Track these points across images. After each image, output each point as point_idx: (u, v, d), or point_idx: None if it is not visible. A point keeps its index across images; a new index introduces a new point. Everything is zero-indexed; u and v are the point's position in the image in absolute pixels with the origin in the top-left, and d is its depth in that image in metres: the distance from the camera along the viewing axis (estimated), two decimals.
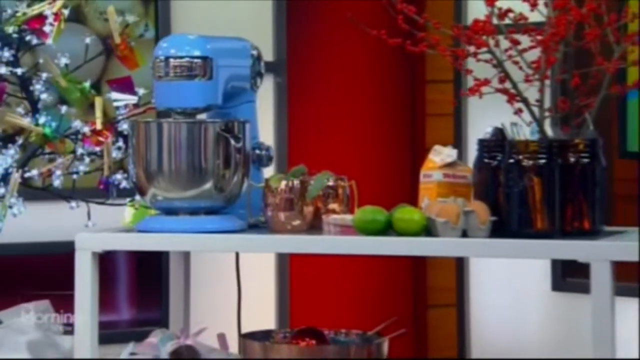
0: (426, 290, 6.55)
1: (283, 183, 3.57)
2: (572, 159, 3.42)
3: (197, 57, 3.58)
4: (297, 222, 3.55)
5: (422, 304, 6.56)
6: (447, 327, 6.46)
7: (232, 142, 3.55)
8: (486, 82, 3.51)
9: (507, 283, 5.91)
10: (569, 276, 5.96)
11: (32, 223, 4.19)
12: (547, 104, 3.51)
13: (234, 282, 4.55)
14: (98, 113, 4.04)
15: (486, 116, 4.22)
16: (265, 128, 6.10)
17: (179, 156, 3.56)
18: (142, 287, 5.55)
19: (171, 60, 3.58)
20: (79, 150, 4.06)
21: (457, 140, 5.42)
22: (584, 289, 5.78)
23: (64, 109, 4.09)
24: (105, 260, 5.18)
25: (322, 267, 5.89)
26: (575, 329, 6.00)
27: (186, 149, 3.56)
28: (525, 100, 3.49)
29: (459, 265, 6.19)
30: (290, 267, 6.04)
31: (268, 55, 6.04)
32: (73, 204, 4.09)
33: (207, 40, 3.68)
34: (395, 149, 5.62)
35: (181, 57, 3.58)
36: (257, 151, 3.75)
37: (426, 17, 3.47)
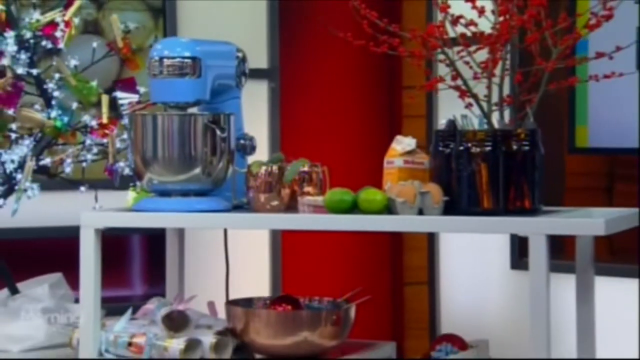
0: (402, 269, 6.54)
1: (263, 168, 3.57)
2: (514, 147, 3.41)
3: (187, 58, 3.58)
4: (275, 203, 3.54)
5: (399, 281, 6.56)
6: (421, 301, 6.46)
7: (218, 132, 3.56)
8: (439, 79, 3.51)
9: (471, 263, 5.89)
10: (526, 256, 5.94)
11: (45, 208, 4.19)
12: (494, 99, 3.50)
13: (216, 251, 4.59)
14: (104, 109, 4.04)
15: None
16: (260, 128, 6.10)
17: (171, 145, 3.56)
18: (153, 265, 5.55)
19: (165, 60, 3.58)
20: (87, 142, 4.06)
21: (429, 138, 5.42)
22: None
23: (74, 105, 4.09)
24: (120, 242, 5.22)
25: (312, 246, 5.89)
26: (527, 302, 5.98)
27: (178, 139, 3.55)
28: (474, 96, 3.48)
29: (430, 247, 6.18)
30: (282, 244, 6.04)
31: (263, 63, 6.04)
32: (82, 188, 4.09)
33: (197, 43, 3.69)
34: (376, 145, 5.61)
35: (173, 58, 3.58)
36: (242, 141, 3.75)
37: (387, 21, 3.46)
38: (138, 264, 5.69)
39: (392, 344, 3.76)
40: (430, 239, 6.09)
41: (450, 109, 3.71)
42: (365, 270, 6.38)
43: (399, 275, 6.55)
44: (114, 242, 5.05)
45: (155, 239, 5.00)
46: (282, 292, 5.87)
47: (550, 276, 5.57)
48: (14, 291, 4.10)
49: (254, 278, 5.77)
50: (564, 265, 5.86)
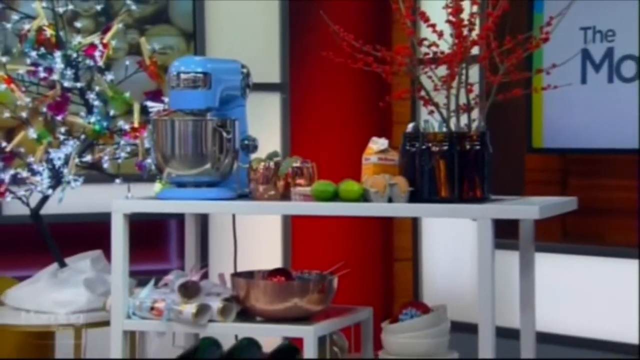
0: (392, 248, 6.52)
1: (262, 164, 3.55)
2: (467, 147, 3.39)
3: (200, 73, 3.56)
4: (272, 192, 3.52)
5: (389, 258, 6.53)
6: (406, 275, 6.43)
7: (224, 134, 3.54)
8: (406, 91, 3.48)
9: (448, 243, 5.88)
10: (497, 237, 5.91)
11: (87, 196, 4.19)
12: (452, 106, 3.46)
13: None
14: (135, 115, 4.03)
15: None
16: (273, 132, 6.09)
17: (186, 144, 3.54)
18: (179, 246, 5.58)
19: (181, 74, 3.56)
20: (122, 142, 4.05)
21: None
22: (507, 246, 5.74)
23: (111, 112, 4.07)
24: (161, 225, 5.20)
25: (318, 228, 5.88)
26: (501, 276, 5.94)
27: (192, 139, 3.54)
28: (435, 105, 3.45)
29: (414, 229, 6.16)
30: (292, 227, 6.04)
31: (276, 78, 6.03)
32: (117, 181, 4.08)
33: (208, 61, 3.68)
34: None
35: (188, 73, 3.56)
36: (246, 141, 3.71)
37: (361, 42, 3.43)
38: (175, 243, 5.70)
39: (369, 309, 3.72)
40: (414, 223, 6.06)
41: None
42: (362, 248, 6.36)
43: (389, 253, 6.53)
44: (156, 225, 5.06)
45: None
46: (291, 267, 5.85)
47: (509, 254, 5.56)
48: (62, 264, 4.09)
49: (269, 255, 5.78)
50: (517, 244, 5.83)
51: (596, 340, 5.61)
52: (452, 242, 5.72)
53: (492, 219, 3.25)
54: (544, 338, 5.76)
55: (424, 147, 3.38)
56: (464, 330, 5.50)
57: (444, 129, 3.43)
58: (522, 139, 6.03)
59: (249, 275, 3.61)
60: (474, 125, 3.44)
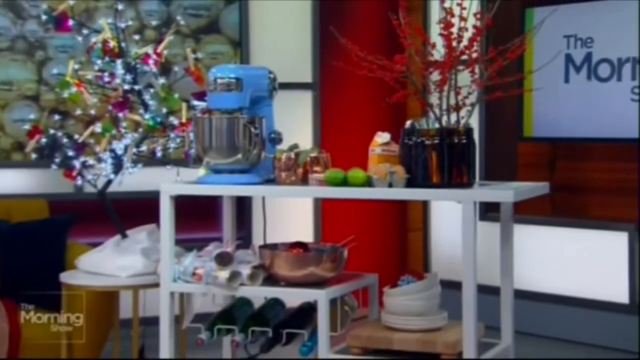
0: (407, 220, 6.51)
1: (284, 154, 3.53)
2: (456, 140, 3.35)
3: (233, 78, 3.54)
4: (293, 178, 3.50)
5: (404, 228, 6.53)
6: (418, 243, 6.43)
7: (252, 130, 3.52)
8: (403, 94, 3.45)
9: (452, 216, 5.83)
10: (489, 211, 5.89)
11: (144, 179, 4.20)
12: (444, 106, 3.42)
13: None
14: (184, 112, 4.03)
15: None
16: (306, 126, 6.09)
17: (221, 138, 3.52)
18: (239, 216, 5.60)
19: (218, 79, 3.55)
20: (172, 135, 4.05)
21: None
22: (493, 218, 5.70)
23: (164, 110, 4.07)
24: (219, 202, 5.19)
25: (345, 207, 5.88)
26: (491, 244, 5.91)
27: (226, 133, 3.52)
28: (430, 105, 3.42)
29: (424, 204, 6.15)
30: (323, 206, 6.05)
31: (308, 78, 6.03)
32: (168, 167, 4.08)
33: (239, 68, 3.69)
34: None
35: (223, 78, 3.54)
36: (272, 135, 3.69)
37: (365, 52, 3.40)
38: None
39: (375, 276, 3.69)
40: (425, 201, 6.05)
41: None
42: (381, 222, 6.37)
43: (404, 224, 6.52)
44: (214, 201, 5.05)
45: (240, 199, 5.03)
46: (321, 239, 5.87)
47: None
48: (124, 235, 4.11)
49: (304, 231, 5.79)
50: (516, 218, 5.81)
51: (580, 299, 5.61)
52: (456, 214, 5.73)
53: (474, 201, 3.19)
54: (536, 297, 5.75)
55: (418, 140, 3.35)
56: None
57: (437, 126, 3.39)
58: (515, 129, 5.99)
59: (274, 247, 3.58)
60: (462, 122, 3.40)
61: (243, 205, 5.83)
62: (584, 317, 5.56)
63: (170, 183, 3.62)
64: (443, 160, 3.32)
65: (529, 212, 6.10)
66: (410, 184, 3.34)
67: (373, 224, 6.37)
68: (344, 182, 3.40)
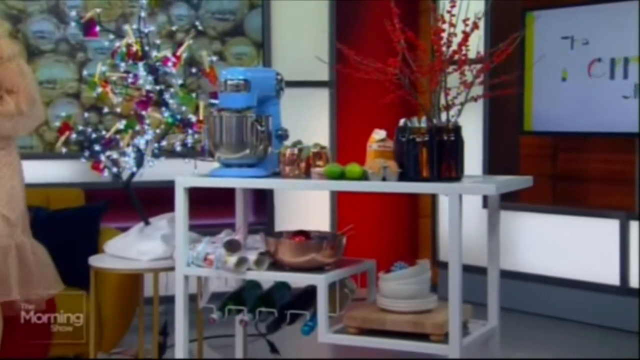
0: (418, 207, 6.48)
1: (288, 150, 3.50)
2: (445, 138, 3.32)
3: (241, 80, 3.52)
4: (296, 172, 3.48)
5: (416, 215, 6.49)
6: (427, 228, 6.39)
7: (258, 127, 3.51)
8: (396, 93, 3.41)
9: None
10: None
11: (165, 170, 4.18)
12: (436, 105, 3.39)
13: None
14: (201, 110, 4.02)
15: None
16: (323, 121, 6.07)
17: (231, 134, 3.51)
18: (258, 204, 5.61)
19: (228, 81, 3.53)
20: (190, 131, 4.04)
21: None
22: (501, 207, 5.65)
23: (183, 108, 4.07)
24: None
25: (360, 198, 5.87)
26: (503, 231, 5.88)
27: (235, 130, 3.50)
28: (421, 104, 3.39)
29: (433, 195, 6.11)
30: (339, 197, 6.04)
31: (325, 77, 6.00)
32: (186, 160, 4.08)
33: (248, 71, 3.63)
34: None
35: (232, 80, 3.52)
36: (279, 132, 3.67)
37: (362, 57, 3.37)
38: (251, 202, 5.76)
39: (373, 261, 3.66)
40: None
41: None
42: (394, 209, 6.34)
43: (416, 211, 6.49)
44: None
45: (262, 189, 5.06)
46: (337, 226, 5.87)
47: (507, 213, 5.51)
48: (147, 222, 4.11)
49: (321, 219, 5.78)
50: (518, 206, 5.77)
51: (575, 281, 5.58)
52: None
53: (459, 194, 3.16)
54: (535, 279, 5.71)
55: (410, 138, 3.31)
56: (470, 272, 5.47)
57: (427, 124, 3.36)
58: (516, 123, 5.94)
59: (279, 235, 3.57)
60: (452, 120, 3.36)
61: (265, 195, 5.84)
62: (578, 297, 5.52)
63: (184, 176, 3.60)
64: (433, 156, 3.28)
65: (532, 200, 6.07)
66: (402, 177, 3.31)
67: (386, 211, 6.35)
68: (342, 176, 3.37)
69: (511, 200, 5.96)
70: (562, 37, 5.61)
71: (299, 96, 6.01)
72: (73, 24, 3.94)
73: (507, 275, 5.81)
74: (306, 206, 5.86)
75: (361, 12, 6.15)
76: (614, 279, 5.36)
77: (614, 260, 5.37)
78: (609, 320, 5.35)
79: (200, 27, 4.46)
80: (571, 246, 5.59)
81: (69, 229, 4.48)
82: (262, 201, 5.86)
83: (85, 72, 5.08)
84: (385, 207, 6.35)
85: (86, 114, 4.75)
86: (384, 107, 6.06)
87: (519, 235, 5.87)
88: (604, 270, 5.41)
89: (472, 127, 6.01)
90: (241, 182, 3.53)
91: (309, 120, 6.00)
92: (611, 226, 5.39)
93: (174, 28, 5.05)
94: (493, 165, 5.91)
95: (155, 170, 4.11)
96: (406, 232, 6.45)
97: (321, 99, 6.00)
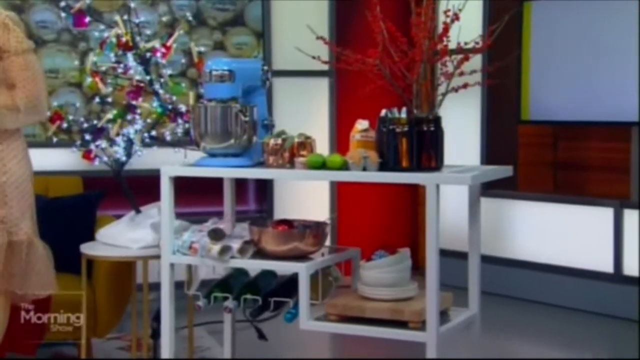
0: (418, 195, 6.46)
1: (272, 140, 3.50)
2: (424, 128, 3.30)
3: (226, 70, 3.52)
4: (280, 162, 3.48)
5: (416, 202, 6.48)
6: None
7: (242, 117, 3.50)
8: (375, 83, 3.41)
9: (456, 192, 5.79)
10: (489, 188, 5.84)
11: (155, 160, 4.17)
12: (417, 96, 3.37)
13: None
14: (191, 100, 4.02)
15: None
16: (323, 109, 6.06)
17: (215, 124, 3.51)
18: (260, 193, 5.61)
19: (212, 72, 3.52)
20: (180, 121, 4.04)
21: None
22: (497, 195, 5.65)
23: (173, 98, 4.07)
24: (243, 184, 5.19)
25: (359, 186, 5.88)
26: (490, 219, 5.88)
27: (220, 120, 3.50)
28: (401, 95, 3.37)
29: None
30: (339, 188, 6.04)
31: (324, 66, 5.96)
32: (176, 149, 4.08)
33: (232, 62, 3.64)
34: None
35: (217, 70, 3.52)
36: (265, 121, 3.67)
37: (342, 49, 3.37)
38: (253, 190, 5.76)
39: (357, 249, 3.65)
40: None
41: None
42: (395, 197, 6.33)
43: (416, 199, 6.47)
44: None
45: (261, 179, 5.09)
46: (337, 216, 5.87)
47: (505, 202, 5.51)
48: (138, 211, 4.12)
49: (321, 207, 5.78)
50: (516, 194, 5.75)
51: (570, 268, 5.57)
52: (458, 190, 5.71)
53: (436, 184, 3.15)
54: (530, 266, 5.69)
55: (390, 128, 3.30)
56: (466, 259, 5.47)
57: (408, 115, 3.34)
58: (514, 113, 5.90)
59: (263, 223, 3.57)
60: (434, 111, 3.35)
61: (265, 184, 5.85)
62: (573, 284, 5.51)
63: (172, 165, 3.60)
64: (412, 147, 3.27)
65: (533, 189, 6.04)
66: (383, 168, 3.30)
67: (386, 199, 6.34)
68: (323, 166, 3.36)
69: (509, 189, 5.95)
70: (559, 26, 5.57)
71: (300, 85, 6.01)
72: (63, 14, 3.94)
73: (503, 263, 5.82)
74: (307, 195, 5.87)
75: (362, 1, 6.14)
76: (607, 266, 5.34)
77: (608, 247, 5.34)
78: (602, 307, 5.33)
79: (190, 18, 4.45)
80: (566, 234, 5.56)
81: (66, 217, 4.49)
82: (264, 190, 5.88)
83: (76, 62, 5.08)
84: (386, 195, 6.34)
85: (77, 104, 4.73)
86: (382, 97, 6.07)
87: (515, 223, 5.85)
88: (598, 257, 5.39)
89: (470, 116, 5.99)
90: (225, 171, 3.53)
91: (309, 110, 6.00)
92: (605, 214, 5.36)
93: (164, 20, 5.03)
94: (491, 154, 5.89)
95: (148, 160, 4.12)
96: (406, 220, 6.45)
97: (321, 89, 5.98)
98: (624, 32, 5.26)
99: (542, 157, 6.44)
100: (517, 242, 5.80)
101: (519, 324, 5.33)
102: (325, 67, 5.97)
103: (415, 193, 6.42)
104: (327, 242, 5.91)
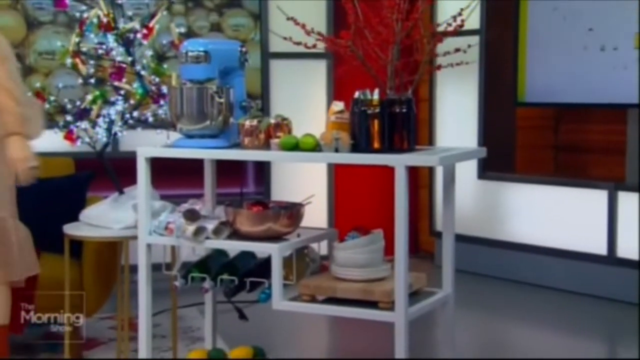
0: (417, 177, 6.45)
1: (248, 121, 3.50)
2: (397, 110, 3.29)
3: (201, 52, 3.51)
4: (255, 143, 3.48)
5: (416, 185, 6.46)
6: (426, 199, 6.37)
7: (217, 98, 3.50)
8: (349, 65, 3.39)
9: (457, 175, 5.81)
10: (487, 170, 5.81)
11: (137, 141, 4.12)
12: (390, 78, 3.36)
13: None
14: (173, 81, 4.01)
15: None
16: (320, 89, 6.05)
17: (191, 105, 3.51)
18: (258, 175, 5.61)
19: (188, 53, 3.52)
20: (162, 102, 4.03)
21: None
22: (494, 177, 5.62)
23: (156, 79, 4.06)
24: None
25: (358, 171, 5.87)
26: (487, 201, 5.85)
27: (196, 102, 3.50)
28: (375, 77, 3.36)
29: (430, 167, 6.08)
30: (336, 171, 6.04)
31: (321, 48, 5.95)
32: (158, 131, 4.09)
33: (209, 42, 3.63)
34: None
35: (193, 51, 3.52)
36: (244, 103, 3.66)
37: (321, 33, 3.35)
38: (252, 172, 5.76)
39: (334, 231, 3.65)
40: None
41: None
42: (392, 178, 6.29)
43: (415, 181, 6.46)
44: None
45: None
46: (334, 200, 5.86)
47: (502, 184, 5.49)
48: (121, 192, 4.13)
49: (319, 190, 5.76)
50: (515, 177, 5.72)
51: (564, 250, 5.55)
52: (459, 173, 5.74)
53: (405, 166, 3.13)
54: (526, 249, 5.67)
55: (362, 109, 3.29)
56: (465, 241, 5.47)
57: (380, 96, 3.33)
58: (512, 95, 5.86)
59: (238, 204, 3.57)
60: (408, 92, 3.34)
61: (263, 165, 5.85)
62: (567, 266, 5.49)
63: (145, 146, 3.60)
64: (384, 128, 3.26)
65: (532, 171, 6.01)
66: (355, 149, 3.29)
67: (385, 181, 6.31)
68: (296, 147, 3.36)
69: (507, 171, 5.92)
70: (554, 9, 5.52)
71: (298, 67, 6.00)
72: None
73: (498, 245, 5.79)
74: (306, 177, 5.86)
75: None
76: (601, 248, 5.31)
77: (602, 230, 5.31)
78: (596, 289, 5.31)
79: (174, 0, 4.45)
80: (561, 216, 5.53)
81: (56, 198, 4.52)
82: (262, 172, 5.88)
83: (59, 43, 5.09)
84: (384, 177, 6.32)
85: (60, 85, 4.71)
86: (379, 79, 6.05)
87: (510, 205, 5.82)
88: (592, 240, 5.36)
89: (468, 99, 5.96)
90: (200, 152, 3.54)
91: (306, 92, 5.99)
92: (600, 196, 5.33)
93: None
94: (488, 136, 5.86)
95: (135, 142, 4.11)
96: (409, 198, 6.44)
97: (319, 69, 5.97)
98: (622, 14, 5.21)
99: (540, 140, 6.40)
100: (513, 224, 5.77)
101: (513, 306, 5.32)
102: (322, 49, 5.96)
103: (416, 175, 6.40)
104: (324, 224, 5.92)
